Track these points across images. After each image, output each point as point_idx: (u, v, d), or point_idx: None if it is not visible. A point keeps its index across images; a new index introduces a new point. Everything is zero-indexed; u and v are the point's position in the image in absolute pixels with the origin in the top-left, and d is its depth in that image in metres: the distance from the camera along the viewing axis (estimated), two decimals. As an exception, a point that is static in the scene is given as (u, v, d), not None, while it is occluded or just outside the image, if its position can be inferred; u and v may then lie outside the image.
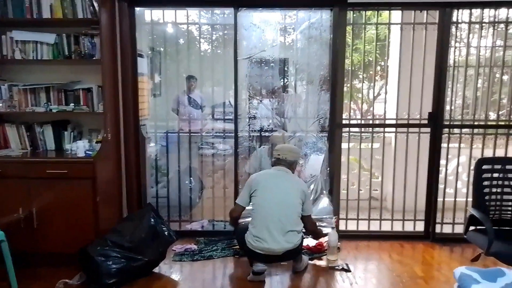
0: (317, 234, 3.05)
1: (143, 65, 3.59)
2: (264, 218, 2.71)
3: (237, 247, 3.18)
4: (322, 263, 3.09)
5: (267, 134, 3.70)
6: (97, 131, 3.22)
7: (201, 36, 3.99)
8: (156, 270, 2.93)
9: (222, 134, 3.93)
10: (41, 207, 2.86)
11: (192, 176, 3.94)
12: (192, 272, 2.94)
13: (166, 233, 2.95)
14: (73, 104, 3.10)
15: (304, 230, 2.86)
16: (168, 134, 3.83)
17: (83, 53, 3.02)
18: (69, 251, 2.77)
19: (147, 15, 3.53)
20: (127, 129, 3.33)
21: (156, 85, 4.21)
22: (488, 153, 3.55)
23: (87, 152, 2.97)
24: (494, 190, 2.69)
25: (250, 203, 2.83)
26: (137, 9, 3.33)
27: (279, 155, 2.89)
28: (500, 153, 3.54)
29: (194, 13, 3.84)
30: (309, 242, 3.25)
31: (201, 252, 3.23)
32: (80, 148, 2.97)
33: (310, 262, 3.06)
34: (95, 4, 2.91)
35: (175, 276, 2.89)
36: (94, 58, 3.02)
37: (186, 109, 4.41)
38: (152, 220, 2.92)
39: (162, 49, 3.87)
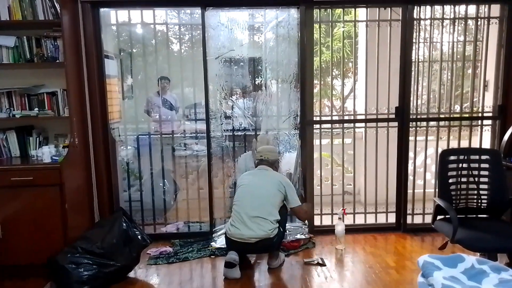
0: (310, 218, 3.30)
1: (111, 67, 3.51)
2: (240, 208, 2.88)
3: (213, 247, 3.27)
4: (298, 259, 3.12)
5: (239, 133, 3.70)
6: (64, 136, 3.14)
7: (171, 37, 3.95)
8: (131, 274, 2.89)
9: (195, 135, 3.90)
10: (6, 217, 2.76)
11: (166, 178, 3.90)
12: (168, 275, 2.91)
13: (139, 237, 2.91)
14: (37, 109, 3.01)
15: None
16: (141, 136, 3.77)
17: (46, 56, 2.93)
18: (37, 261, 2.70)
19: (113, 16, 3.46)
20: (96, 133, 3.26)
21: (128, 87, 4.14)
22: (454, 144, 3.68)
23: (53, 158, 2.89)
24: (459, 180, 2.78)
25: (234, 201, 3.01)
26: (102, 10, 3.26)
27: (261, 156, 3.12)
28: (464, 144, 3.68)
29: (162, 13, 3.79)
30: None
31: (176, 254, 3.20)
32: (46, 154, 2.88)
33: (286, 258, 3.09)
34: (57, 6, 2.83)
35: (150, 280, 2.85)
36: (57, 61, 2.93)
37: (160, 111, 4.36)
38: (124, 224, 2.87)
39: (132, 50, 3.81)
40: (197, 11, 3.36)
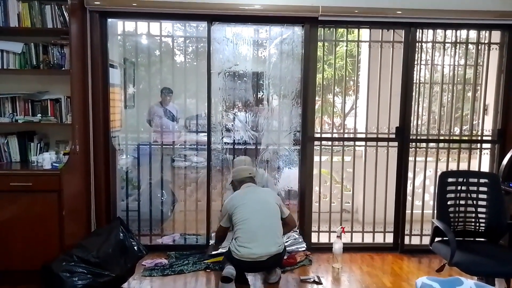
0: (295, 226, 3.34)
1: (115, 75, 3.54)
2: (251, 228, 2.83)
3: (209, 260, 3.24)
4: (294, 276, 3.09)
5: (240, 146, 3.71)
6: (65, 143, 3.14)
7: (175, 48, 4.00)
8: (125, 285, 2.86)
9: (195, 146, 3.90)
10: (3, 221, 2.74)
11: (164, 189, 3.89)
12: (162, 287, 2.87)
13: (135, 247, 2.88)
14: (40, 115, 3.02)
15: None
16: (141, 146, 3.77)
17: (52, 63, 2.96)
18: (32, 267, 2.66)
19: (120, 26, 3.51)
20: (97, 141, 3.26)
21: (130, 96, 4.16)
22: (453, 166, 3.70)
23: (53, 164, 2.89)
24: (457, 202, 2.79)
25: (235, 223, 2.90)
26: (110, 20, 3.30)
27: (250, 174, 3.17)
28: (463, 166, 3.69)
29: (168, 25, 3.84)
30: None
31: (171, 266, 3.18)
32: (46, 160, 2.89)
33: (282, 275, 3.06)
34: (65, 14, 2.87)
35: (144, 292, 2.82)
36: (63, 69, 2.96)
37: (162, 121, 4.37)
38: (121, 234, 2.84)
39: (136, 60, 3.85)
40: (203, 24, 3.41)
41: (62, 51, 2.96)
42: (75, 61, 2.92)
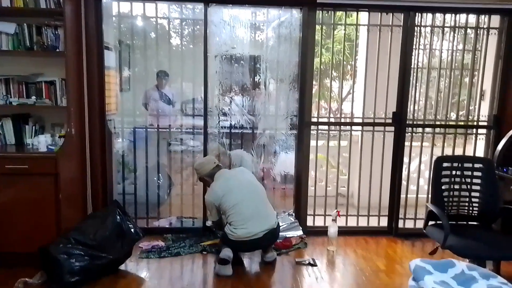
0: None
1: (110, 58, 3.50)
2: (243, 210, 2.85)
3: (205, 243, 3.29)
4: (289, 258, 3.14)
5: (236, 131, 3.71)
6: (61, 126, 3.12)
7: (171, 31, 3.93)
8: (122, 267, 2.89)
9: (192, 130, 3.89)
10: (-1, 204, 2.74)
11: (161, 173, 3.89)
12: (159, 269, 2.91)
13: (132, 230, 2.91)
14: (34, 97, 2.98)
15: None
16: (137, 129, 3.75)
17: (46, 45, 2.91)
18: (28, 250, 2.67)
19: (115, 7, 3.44)
20: (93, 124, 3.24)
21: (125, 79, 4.11)
22: (448, 151, 3.72)
23: (49, 147, 2.87)
24: (452, 187, 2.82)
25: (226, 210, 2.89)
26: (104, 1, 3.24)
27: (215, 162, 3.14)
28: (459, 152, 3.72)
29: (164, 6, 3.77)
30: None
31: (168, 249, 3.21)
32: (42, 142, 2.87)
33: (278, 257, 3.09)
34: (59, -6, 2.81)
35: (141, 274, 2.85)
36: (57, 50, 2.91)
37: (158, 105, 4.34)
38: (118, 217, 2.86)
39: (131, 42, 3.79)
40: (199, 6, 3.35)
41: (56, 32, 2.91)
42: (69, 42, 2.87)
